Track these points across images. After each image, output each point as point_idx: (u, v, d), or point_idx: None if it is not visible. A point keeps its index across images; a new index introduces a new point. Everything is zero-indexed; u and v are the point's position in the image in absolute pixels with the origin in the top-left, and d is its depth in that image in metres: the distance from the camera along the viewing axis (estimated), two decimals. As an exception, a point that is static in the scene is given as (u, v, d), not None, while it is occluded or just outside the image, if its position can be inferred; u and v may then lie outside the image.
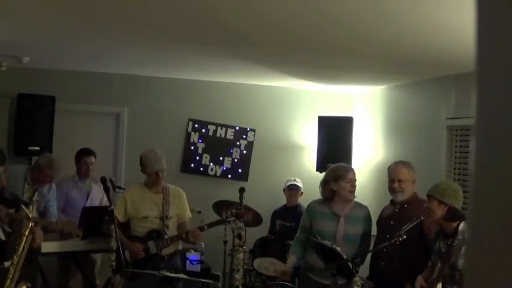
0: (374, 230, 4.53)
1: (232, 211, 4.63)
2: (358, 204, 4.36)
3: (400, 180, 4.13)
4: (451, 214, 3.58)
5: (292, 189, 6.23)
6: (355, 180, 4.30)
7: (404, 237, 3.65)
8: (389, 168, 4.31)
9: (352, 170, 4.35)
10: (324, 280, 4.06)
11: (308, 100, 7.10)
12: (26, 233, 3.41)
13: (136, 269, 4.17)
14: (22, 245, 3.35)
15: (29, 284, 3.50)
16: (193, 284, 4.79)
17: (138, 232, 4.49)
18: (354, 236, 4.21)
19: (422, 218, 3.72)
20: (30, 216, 3.53)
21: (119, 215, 4.45)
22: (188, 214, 4.78)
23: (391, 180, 4.18)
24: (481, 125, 0.77)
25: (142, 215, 4.49)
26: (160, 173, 4.56)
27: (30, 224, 3.47)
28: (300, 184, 6.24)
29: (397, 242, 3.66)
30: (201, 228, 4.59)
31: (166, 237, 4.51)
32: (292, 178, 6.33)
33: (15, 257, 3.30)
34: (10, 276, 3.24)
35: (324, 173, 4.48)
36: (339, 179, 4.21)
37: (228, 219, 4.61)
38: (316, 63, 5.11)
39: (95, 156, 5.56)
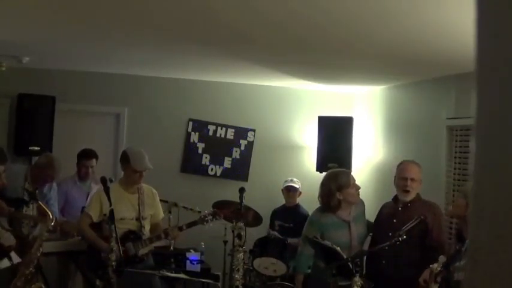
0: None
1: (211, 210, 4.64)
2: None
3: (412, 179, 4.11)
4: None
5: (290, 191, 6.21)
6: (355, 181, 4.29)
7: (404, 237, 3.64)
8: (399, 166, 4.26)
9: (350, 172, 4.32)
10: (340, 281, 4.02)
11: (308, 100, 7.10)
12: (46, 235, 3.43)
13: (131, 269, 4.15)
14: (38, 245, 3.36)
15: (43, 286, 3.50)
16: (193, 284, 4.80)
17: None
18: (364, 234, 4.26)
19: (422, 217, 3.72)
20: (51, 215, 3.53)
21: (94, 215, 4.37)
22: (161, 214, 4.75)
23: (403, 179, 4.13)
24: (481, 125, 0.77)
25: (119, 216, 4.32)
26: (144, 172, 4.49)
27: (51, 225, 3.48)
28: (297, 185, 6.22)
29: (397, 242, 3.66)
30: (180, 228, 4.55)
31: (144, 238, 4.46)
32: (290, 179, 6.30)
33: (29, 257, 3.31)
34: (23, 275, 3.25)
35: (322, 184, 4.28)
36: (343, 188, 4.12)
37: (206, 219, 4.60)
38: (316, 63, 5.11)
39: (96, 159, 5.53)
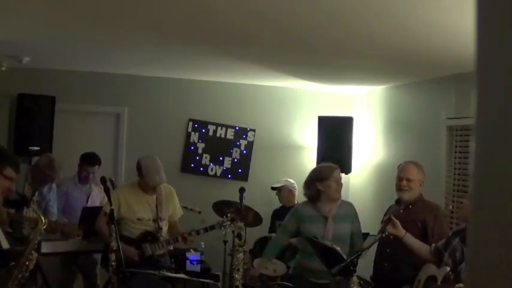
0: (375, 230, 4.52)
1: (228, 215, 4.63)
2: (344, 203, 4.35)
3: (408, 179, 4.10)
4: None
5: (282, 191, 6.20)
6: (341, 178, 4.29)
7: (387, 233, 3.78)
8: (399, 166, 4.28)
9: (337, 168, 4.31)
10: (320, 280, 4.06)
11: (308, 100, 7.10)
12: (38, 237, 3.40)
13: (137, 269, 4.16)
14: (31, 249, 3.34)
15: None
16: (193, 284, 4.80)
17: (132, 233, 4.45)
18: (344, 235, 4.20)
19: (387, 232, 3.82)
20: (43, 220, 3.51)
21: None
22: (179, 212, 4.75)
23: (400, 179, 4.14)
24: (481, 125, 0.77)
25: (136, 217, 4.43)
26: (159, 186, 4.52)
27: (42, 227, 3.45)
28: (281, 184, 6.19)
29: (384, 235, 3.79)
30: (198, 232, 4.56)
31: (162, 239, 4.48)
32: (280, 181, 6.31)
33: (23, 259, 3.29)
34: (16, 279, 3.23)
35: (307, 175, 4.40)
36: (325, 179, 4.17)
37: (224, 224, 4.60)
38: (316, 63, 5.11)
39: (99, 165, 5.49)
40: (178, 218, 4.76)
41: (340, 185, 4.24)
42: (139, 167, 4.50)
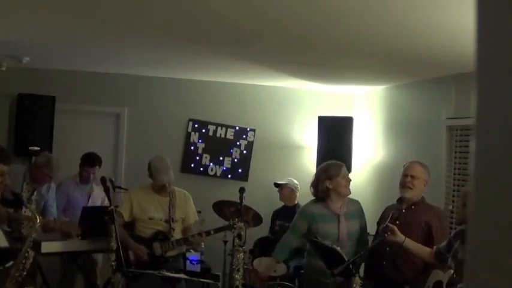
0: (374, 230, 4.52)
1: (238, 218, 4.63)
2: (351, 200, 4.36)
3: (412, 176, 4.08)
4: None
5: (284, 189, 6.19)
6: (348, 174, 4.31)
7: (389, 233, 3.76)
8: (404, 165, 4.29)
9: (344, 165, 4.33)
10: (329, 280, 4.06)
11: (308, 100, 7.10)
12: (33, 235, 3.40)
13: (140, 269, 4.17)
14: (26, 247, 3.34)
15: None
16: (193, 284, 4.80)
17: (144, 233, 4.51)
18: (355, 233, 4.24)
19: (387, 236, 3.79)
20: (38, 218, 3.51)
21: (125, 214, 4.48)
22: (194, 217, 4.79)
23: (404, 175, 4.14)
24: (481, 125, 0.77)
25: (148, 216, 4.51)
26: (167, 185, 4.56)
27: (37, 225, 3.45)
28: (284, 181, 6.20)
29: (386, 235, 3.76)
30: (208, 233, 4.60)
31: (172, 239, 4.51)
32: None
33: (19, 258, 3.29)
34: (14, 278, 3.23)
35: (314, 174, 4.41)
36: (334, 177, 4.19)
37: (235, 226, 4.60)
38: (316, 63, 5.11)
39: (100, 165, 5.51)
40: (192, 222, 4.79)
41: (348, 180, 4.26)
42: (149, 167, 4.61)
